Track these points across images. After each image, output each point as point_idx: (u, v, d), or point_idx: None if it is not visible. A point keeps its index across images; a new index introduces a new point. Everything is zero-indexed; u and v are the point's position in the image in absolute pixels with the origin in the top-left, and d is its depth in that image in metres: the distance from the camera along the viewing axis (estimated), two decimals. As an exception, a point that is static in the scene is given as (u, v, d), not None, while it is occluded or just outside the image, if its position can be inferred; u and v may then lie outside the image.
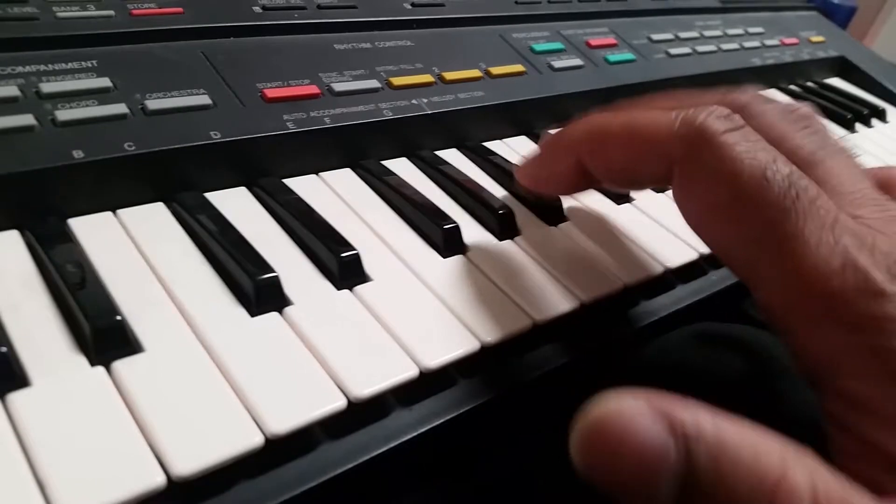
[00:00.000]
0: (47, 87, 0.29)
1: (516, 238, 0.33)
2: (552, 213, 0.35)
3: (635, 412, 0.16)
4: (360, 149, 0.36)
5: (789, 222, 0.20)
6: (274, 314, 0.25)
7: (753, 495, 0.16)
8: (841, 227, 0.20)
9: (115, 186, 0.29)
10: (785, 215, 0.20)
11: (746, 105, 0.25)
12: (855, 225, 0.20)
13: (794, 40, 0.68)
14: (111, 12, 0.34)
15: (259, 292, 0.26)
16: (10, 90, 0.28)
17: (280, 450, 0.21)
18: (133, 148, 0.29)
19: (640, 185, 0.31)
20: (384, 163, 0.36)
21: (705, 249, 0.34)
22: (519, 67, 0.45)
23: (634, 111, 0.25)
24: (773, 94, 0.62)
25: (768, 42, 0.65)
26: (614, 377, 0.20)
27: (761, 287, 0.21)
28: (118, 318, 0.23)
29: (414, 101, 0.38)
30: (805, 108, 0.26)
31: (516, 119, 0.43)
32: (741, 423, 0.17)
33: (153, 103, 0.31)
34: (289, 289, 0.26)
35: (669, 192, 0.39)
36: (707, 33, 0.61)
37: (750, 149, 0.21)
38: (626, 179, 0.27)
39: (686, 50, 0.56)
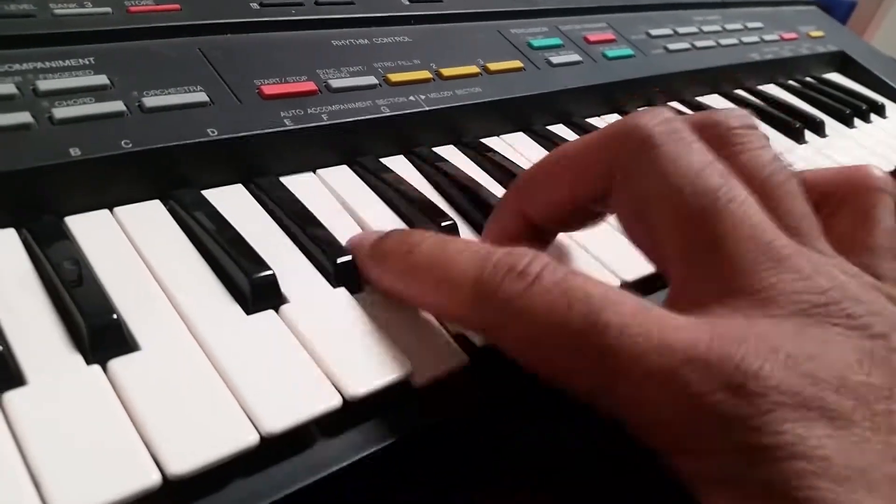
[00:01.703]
0: (44, 84, 0.29)
1: (513, 235, 0.33)
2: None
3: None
4: (357, 146, 0.36)
5: (606, 365, 0.19)
6: (270, 312, 0.25)
7: None
8: (666, 343, 0.19)
9: (112, 184, 0.29)
10: (600, 360, 0.19)
11: (648, 136, 0.23)
12: (684, 332, 0.19)
13: (793, 35, 0.67)
14: (108, 9, 0.34)
15: (255, 290, 0.26)
16: (7, 88, 0.28)
17: (275, 448, 0.21)
18: (130, 145, 0.29)
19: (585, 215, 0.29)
20: (382, 160, 0.36)
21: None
22: (517, 63, 0.45)
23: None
24: (773, 89, 0.62)
25: (767, 37, 0.64)
26: None
27: (621, 419, 0.20)
28: (114, 316, 0.23)
29: (412, 98, 0.38)
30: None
31: (514, 115, 0.43)
32: None
33: (150, 100, 0.31)
34: (285, 287, 0.27)
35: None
36: (706, 28, 0.60)
37: (544, 300, 0.20)
38: (570, 210, 0.27)
39: (685, 45, 0.56)
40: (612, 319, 0.19)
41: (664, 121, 0.23)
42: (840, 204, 0.25)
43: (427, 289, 0.24)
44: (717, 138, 0.23)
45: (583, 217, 0.27)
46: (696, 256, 0.21)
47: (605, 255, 0.33)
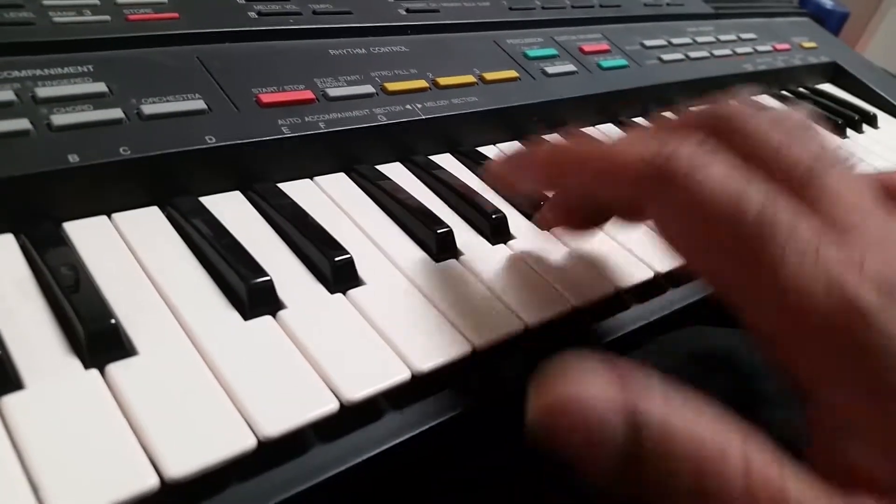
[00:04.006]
0: (43, 91, 0.29)
1: (509, 242, 0.33)
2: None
3: (593, 395, 0.18)
4: (354, 153, 0.36)
5: (767, 253, 0.20)
6: (267, 317, 0.26)
7: (688, 478, 0.17)
8: (824, 250, 0.19)
9: (111, 191, 0.29)
10: (762, 247, 0.20)
11: (732, 120, 0.24)
12: (840, 247, 0.20)
13: (786, 46, 0.68)
14: (107, 17, 0.35)
15: (252, 296, 0.26)
16: (6, 94, 0.29)
17: (272, 452, 0.22)
18: (128, 152, 0.29)
19: (601, 215, 0.31)
20: (378, 167, 0.37)
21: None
22: (512, 73, 0.45)
23: (608, 143, 0.25)
24: (765, 100, 0.62)
25: (760, 48, 0.65)
26: None
27: (747, 313, 0.21)
28: (112, 321, 0.23)
29: (408, 107, 0.38)
30: (797, 115, 0.25)
31: (510, 124, 0.44)
32: (691, 412, 0.18)
33: (148, 108, 0.31)
34: (282, 292, 0.27)
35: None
36: (699, 39, 0.61)
37: (718, 185, 0.21)
38: (588, 206, 0.28)
39: (678, 56, 0.57)
40: (784, 218, 0.20)
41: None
42: None
43: (588, 173, 0.25)
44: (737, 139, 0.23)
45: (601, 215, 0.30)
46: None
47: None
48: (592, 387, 0.18)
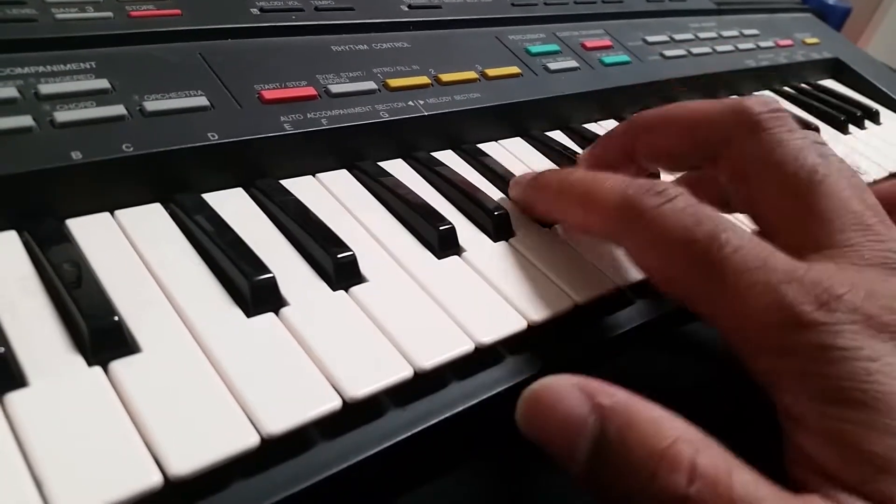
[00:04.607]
0: (46, 88, 0.29)
1: (511, 239, 0.33)
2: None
3: (565, 387, 0.21)
4: (356, 150, 0.36)
5: (715, 273, 0.23)
6: (270, 315, 0.26)
7: (645, 461, 0.19)
8: (769, 266, 0.22)
9: (113, 187, 0.29)
10: (710, 269, 0.23)
11: (758, 121, 0.28)
12: (786, 262, 0.22)
13: (788, 42, 0.68)
14: (109, 14, 0.34)
15: (255, 293, 0.26)
16: (9, 91, 0.29)
17: (275, 450, 0.22)
18: (131, 149, 0.29)
19: (687, 165, 0.35)
20: (380, 164, 0.37)
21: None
22: (515, 69, 0.45)
23: (593, 181, 0.28)
24: (768, 95, 0.62)
25: (763, 44, 0.65)
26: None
27: (713, 323, 0.24)
28: (115, 318, 0.23)
29: (410, 103, 0.38)
30: (813, 132, 0.29)
31: (512, 121, 0.43)
32: (651, 406, 0.20)
33: (151, 105, 0.31)
34: (285, 289, 0.27)
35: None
36: (702, 35, 0.61)
37: (676, 216, 0.24)
38: (677, 158, 0.33)
39: (681, 52, 0.57)
40: (731, 238, 0.23)
41: (773, 109, 0.28)
42: None
43: (577, 206, 0.29)
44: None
45: (684, 166, 0.34)
46: (796, 219, 0.25)
47: None
48: (567, 383, 0.21)
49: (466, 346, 0.26)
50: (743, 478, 0.18)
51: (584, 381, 0.21)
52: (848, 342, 0.20)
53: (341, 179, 0.35)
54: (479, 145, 0.41)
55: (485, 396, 0.26)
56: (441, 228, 0.31)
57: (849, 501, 0.19)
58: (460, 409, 0.25)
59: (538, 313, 0.28)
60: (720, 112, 0.29)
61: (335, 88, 0.36)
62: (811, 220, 0.25)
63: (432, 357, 0.25)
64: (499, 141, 0.43)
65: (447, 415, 0.25)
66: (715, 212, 0.24)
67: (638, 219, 0.25)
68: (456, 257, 0.31)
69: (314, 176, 0.35)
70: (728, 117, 0.29)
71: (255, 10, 0.39)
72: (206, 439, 0.20)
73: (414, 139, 0.39)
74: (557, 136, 0.45)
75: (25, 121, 0.28)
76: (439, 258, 0.31)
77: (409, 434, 0.24)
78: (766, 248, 0.23)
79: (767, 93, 0.63)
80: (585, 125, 0.48)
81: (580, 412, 0.20)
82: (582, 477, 0.20)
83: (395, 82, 0.39)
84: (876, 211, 0.25)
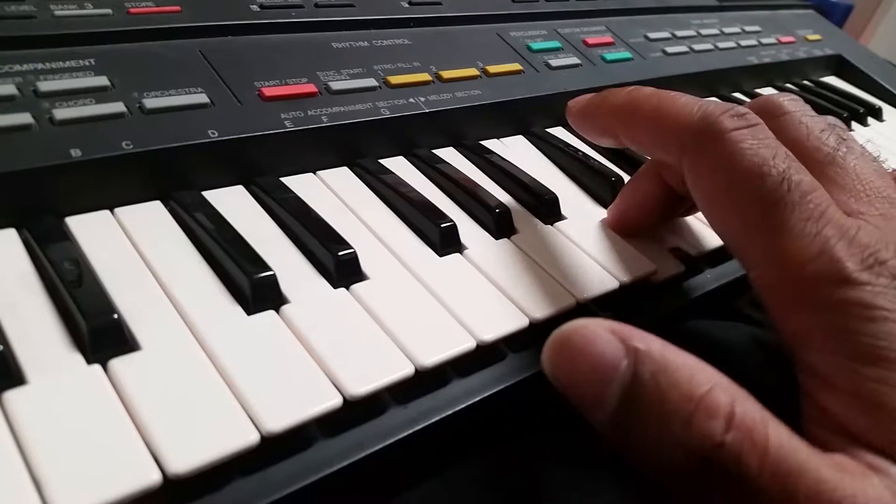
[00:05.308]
0: (45, 85, 0.29)
1: (513, 237, 0.33)
2: (549, 211, 0.35)
3: (597, 330, 0.20)
4: (357, 147, 0.36)
5: (777, 212, 0.22)
6: (271, 312, 0.25)
7: (680, 406, 0.18)
8: (826, 219, 0.22)
9: (113, 185, 0.29)
10: (774, 206, 0.22)
11: (780, 105, 0.28)
12: (842, 218, 0.22)
13: (790, 39, 0.68)
14: (109, 11, 0.34)
15: (256, 290, 0.26)
16: (8, 88, 0.29)
17: (276, 448, 0.21)
18: (131, 146, 0.29)
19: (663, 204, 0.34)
20: (381, 161, 0.36)
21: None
22: (516, 66, 0.45)
23: (667, 95, 0.27)
24: (770, 92, 0.62)
25: (765, 40, 0.65)
26: None
27: (751, 268, 0.23)
28: (115, 316, 0.23)
29: (411, 100, 0.38)
30: (831, 117, 0.28)
31: (513, 118, 0.43)
32: (686, 354, 0.19)
33: (151, 102, 0.31)
34: (286, 287, 0.27)
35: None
36: (704, 32, 0.61)
37: (754, 145, 0.23)
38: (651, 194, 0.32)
39: (683, 48, 0.57)
40: (802, 183, 0.22)
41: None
42: None
43: (647, 121, 0.28)
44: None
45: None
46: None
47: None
48: (598, 324, 0.20)
49: (468, 344, 0.26)
50: (778, 430, 0.18)
51: (618, 324, 0.20)
52: (889, 304, 0.20)
53: (342, 177, 0.35)
54: (481, 142, 0.41)
55: (486, 394, 0.26)
56: (442, 226, 0.31)
57: (877, 462, 0.19)
58: (462, 406, 0.25)
59: (540, 311, 0.28)
60: (682, 118, 0.26)
61: (336, 85, 0.36)
62: (837, 192, 0.24)
63: (434, 355, 0.25)
64: (500, 138, 0.43)
65: (448, 413, 0.25)
66: (787, 150, 0.24)
67: (713, 139, 0.24)
68: (457, 255, 0.31)
69: (315, 173, 0.35)
70: (687, 127, 0.26)
71: (255, 7, 0.39)
72: (206, 437, 0.20)
73: (415, 136, 0.38)
74: (559, 132, 0.45)
75: (24, 118, 0.28)
76: (441, 255, 0.31)
77: (411, 432, 0.24)
78: (828, 199, 0.22)
79: (770, 90, 0.63)
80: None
81: (613, 356, 0.19)
82: (610, 425, 0.19)
83: (395, 79, 0.39)
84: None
